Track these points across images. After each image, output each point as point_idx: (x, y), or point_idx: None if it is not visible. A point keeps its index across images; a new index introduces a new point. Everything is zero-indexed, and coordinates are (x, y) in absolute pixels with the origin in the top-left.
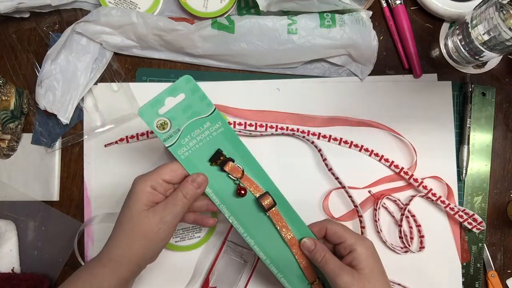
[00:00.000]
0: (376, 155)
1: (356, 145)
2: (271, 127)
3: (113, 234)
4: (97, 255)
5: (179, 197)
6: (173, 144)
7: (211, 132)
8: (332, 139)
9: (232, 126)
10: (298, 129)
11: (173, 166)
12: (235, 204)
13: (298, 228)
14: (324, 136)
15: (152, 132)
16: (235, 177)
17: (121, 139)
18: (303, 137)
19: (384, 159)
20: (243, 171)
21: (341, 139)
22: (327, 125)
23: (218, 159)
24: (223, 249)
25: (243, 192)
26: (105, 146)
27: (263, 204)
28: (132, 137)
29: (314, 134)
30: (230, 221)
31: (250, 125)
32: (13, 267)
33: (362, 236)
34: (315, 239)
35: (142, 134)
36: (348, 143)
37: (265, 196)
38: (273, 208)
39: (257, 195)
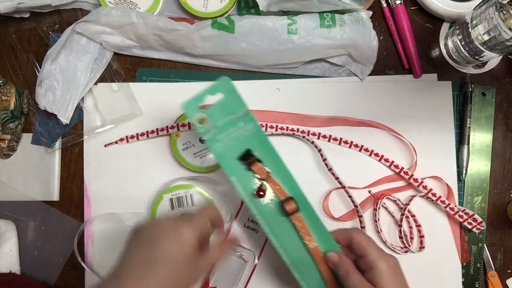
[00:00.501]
0: (376, 155)
1: (356, 145)
2: (271, 127)
3: (135, 267)
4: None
5: (216, 260)
6: (209, 138)
7: (244, 131)
8: (332, 139)
9: None
10: (298, 129)
11: (216, 212)
12: (260, 203)
13: (322, 236)
14: (324, 136)
15: (152, 132)
16: (261, 178)
17: (121, 139)
18: (303, 137)
19: (384, 159)
20: (269, 172)
21: (341, 139)
22: (327, 125)
23: (247, 158)
24: None
25: (262, 193)
26: (105, 146)
27: (286, 208)
28: (132, 137)
29: (314, 134)
30: (257, 219)
31: None
32: (10, 270)
33: (386, 254)
34: (340, 252)
35: (142, 134)
36: (348, 143)
37: (289, 200)
38: (297, 214)
39: (282, 198)
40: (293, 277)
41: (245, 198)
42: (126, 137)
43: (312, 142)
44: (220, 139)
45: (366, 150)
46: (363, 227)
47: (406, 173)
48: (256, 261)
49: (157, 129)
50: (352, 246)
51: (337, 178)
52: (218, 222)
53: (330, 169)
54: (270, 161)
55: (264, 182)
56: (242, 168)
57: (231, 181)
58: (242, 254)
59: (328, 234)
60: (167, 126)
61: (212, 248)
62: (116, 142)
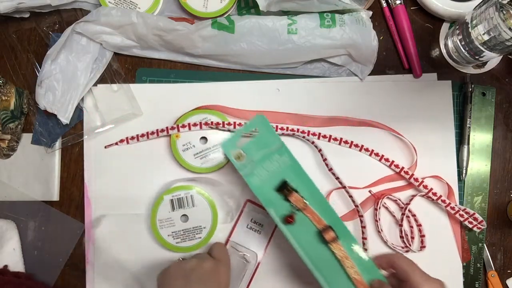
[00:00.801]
0: (377, 154)
1: (356, 145)
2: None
3: None
4: None
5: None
6: (246, 173)
7: (280, 164)
8: (332, 139)
9: (232, 126)
10: (298, 129)
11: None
12: (301, 232)
13: (362, 263)
14: (324, 136)
15: (152, 133)
16: (298, 208)
17: (121, 140)
18: (303, 137)
19: (385, 158)
20: (305, 202)
21: (341, 139)
22: (327, 125)
23: (284, 189)
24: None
25: (290, 220)
26: (105, 147)
27: (325, 237)
28: (132, 138)
29: (314, 134)
30: (297, 251)
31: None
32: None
33: (431, 278)
34: (384, 282)
35: (142, 135)
36: (348, 143)
37: (328, 229)
38: (336, 242)
39: (320, 227)
40: (295, 278)
41: (283, 230)
42: (126, 138)
43: (313, 142)
44: (256, 173)
45: (367, 150)
46: (363, 227)
47: (406, 172)
48: (259, 261)
49: (157, 130)
50: (395, 271)
51: (337, 178)
52: None
53: (330, 169)
54: (306, 191)
55: (301, 212)
56: (279, 199)
57: (269, 213)
58: (244, 255)
59: (369, 261)
60: (167, 127)
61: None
62: (116, 143)
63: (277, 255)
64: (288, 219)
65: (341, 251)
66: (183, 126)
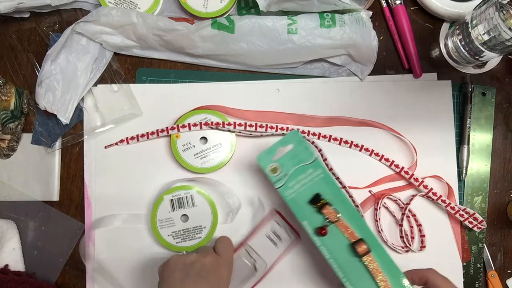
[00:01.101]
0: (377, 154)
1: (356, 145)
2: (271, 127)
3: None
4: None
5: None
6: (281, 186)
7: (313, 177)
8: (333, 139)
9: (232, 127)
10: (298, 129)
11: (233, 246)
12: (333, 244)
13: (395, 277)
14: (324, 136)
15: (152, 133)
16: (331, 220)
17: (121, 141)
18: (304, 137)
19: (385, 158)
20: (338, 215)
21: (341, 139)
22: (327, 125)
23: (317, 202)
24: (239, 251)
25: (323, 232)
26: (105, 147)
27: (357, 250)
28: (132, 138)
29: (314, 134)
30: (329, 263)
31: (250, 125)
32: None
33: None
34: None
35: (142, 135)
36: (348, 143)
37: (360, 242)
38: (368, 255)
39: (352, 240)
40: None
41: (317, 242)
42: (126, 138)
43: (312, 142)
44: (291, 186)
45: (367, 150)
46: None
47: (406, 172)
48: (265, 272)
49: (157, 130)
50: (428, 287)
51: (337, 178)
52: None
53: (330, 169)
54: (339, 204)
55: (334, 225)
56: (313, 211)
57: (303, 225)
58: (255, 262)
59: (401, 274)
60: (167, 127)
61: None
62: (116, 144)
63: (284, 273)
64: (321, 231)
65: (373, 264)
66: (183, 126)
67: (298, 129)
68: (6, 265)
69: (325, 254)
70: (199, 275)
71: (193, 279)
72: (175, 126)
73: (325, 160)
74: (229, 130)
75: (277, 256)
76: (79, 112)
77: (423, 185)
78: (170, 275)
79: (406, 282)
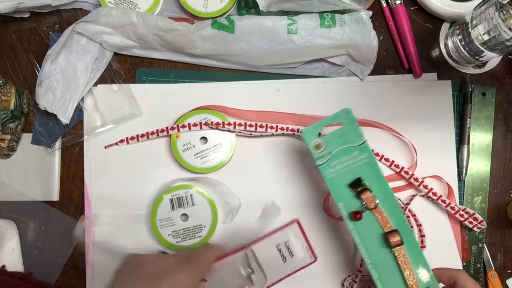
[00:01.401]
0: (377, 154)
1: None
2: (271, 127)
3: None
4: None
5: None
6: (323, 163)
7: (357, 161)
8: None
9: (232, 127)
10: (298, 129)
11: (220, 252)
12: (365, 230)
13: (423, 272)
14: None
15: (152, 133)
16: (368, 207)
17: (121, 141)
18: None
19: (385, 158)
20: (377, 202)
21: None
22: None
23: (358, 186)
24: (236, 255)
25: (358, 216)
26: (105, 147)
27: (390, 240)
28: (132, 138)
29: None
30: (358, 247)
31: (250, 125)
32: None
33: None
34: None
35: (142, 135)
36: None
37: (394, 233)
38: (400, 247)
39: (386, 230)
40: None
41: (349, 225)
42: (126, 138)
43: None
44: (333, 166)
45: None
46: None
47: (406, 172)
48: None
49: (157, 130)
50: (456, 286)
51: None
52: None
53: None
54: (380, 192)
55: (371, 211)
56: (351, 195)
57: (338, 207)
58: (252, 273)
59: (429, 270)
60: (167, 127)
61: None
62: (116, 144)
63: None
64: (356, 216)
65: (404, 257)
66: (183, 126)
67: (298, 129)
68: (3, 266)
69: (355, 239)
70: (147, 277)
71: (139, 281)
72: (175, 126)
73: None
74: (229, 130)
75: (283, 275)
76: (79, 112)
77: (423, 185)
78: (118, 273)
79: (434, 280)
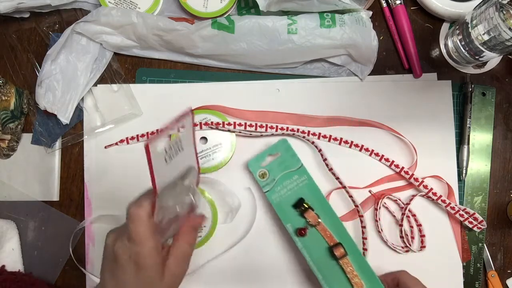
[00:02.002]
0: (377, 154)
1: (356, 145)
2: (271, 127)
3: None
4: None
5: (186, 248)
6: (269, 190)
7: (298, 183)
8: (333, 139)
9: (232, 127)
10: (298, 129)
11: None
12: (313, 246)
13: (369, 279)
14: (324, 136)
15: (152, 133)
16: (312, 224)
17: (121, 141)
18: (303, 137)
19: (385, 158)
20: (319, 219)
21: (341, 139)
22: (327, 125)
23: (301, 206)
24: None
25: (303, 232)
26: (105, 147)
27: (335, 253)
28: (132, 138)
29: (314, 134)
30: (310, 265)
31: (250, 125)
32: (14, 269)
33: None
34: None
35: (142, 135)
36: (348, 143)
37: (338, 246)
38: (345, 258)
39: (331, 244)
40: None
41: (298, 244)
42: (126, 138)
43: (313, 142)
44: (277, 191)
45: (367, 150)
46: (363, 227)
47: (406, 172)
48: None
49: (157, 130)
50: (400, 287)
51: (337, 178)
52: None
53: (330, 169)
54: (321, 209)
55: (315, 228)
56: (296, 215)
57: (286, 228)
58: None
59: (375, 278)
60: (167, 127)
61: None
62: (116, 144)
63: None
64: (301, 232)
65: (350, 266)
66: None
67: (298, 129)
68: (3, 266)
69: (305, 255)
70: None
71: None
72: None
73: (325, 160)
74: (229, 130)
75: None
76: (79, 112)
77: (423, 185)
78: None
79: (379, 284)
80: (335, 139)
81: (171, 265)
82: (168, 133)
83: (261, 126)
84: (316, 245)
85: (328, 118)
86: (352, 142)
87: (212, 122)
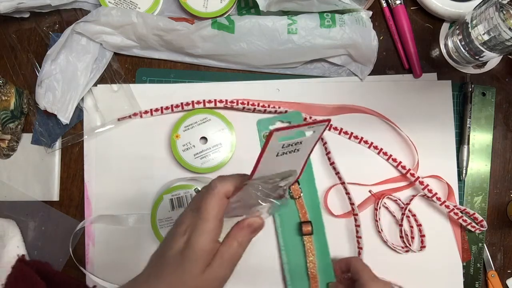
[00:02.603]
0: (385, 154)
1: (366, 142)
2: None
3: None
4: None
5: (235, 249)
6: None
7: None
8: (343, 132)
9: (235, 104)
10: (310, 117)
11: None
12: (286, 216)
13: (323, 259)
14: (335, 128)
15: (167, 108)
16: (293, 196)
17: (135, 114)
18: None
19: (392, 158)
20: (301, 194)
21: (351, 133)
22: (335, 114)
23: None
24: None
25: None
26: (118, 120)
27: (303, 228)
28: (146, 112)
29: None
30: (278, 231)
31: (253, 104)
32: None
33: (379, 279)
34: (337, 284)
35: (157, 110)
36: (358, 138)
37: (307, 224)
38: (309, 236)
39: (302, 220)
40: None
41: (277, 208)
42: (140, 112)
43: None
44: None
45: (376, 148)
46: (358, 226)
47: (412, 175)
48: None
49: (171, 105)
50: (351, 271)
51: (337, 173)
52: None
53: (332, 163)
54: (306, 186)
55: (295, 201)
56: None
57: None
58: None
59: (329, 262)
60: (182, 103)
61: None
62: (129, 117)
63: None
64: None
65: (310, 245)
66: (198, 102)
67: (310, 117)
68: (23, 255)
69: (277, 222)
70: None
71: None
72: (190, 102)
73: (328, 153)
74: (235, 108)
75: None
76: (79, 112)
77: (423, 185)
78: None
79: (330, 268)
80: (346, 132)
81: (215, 265)
82: (296, 130)
83: (263, 106)
84: (289, 217)
85: (336, 107)
86: (362, 138)
87: (226, 100)
